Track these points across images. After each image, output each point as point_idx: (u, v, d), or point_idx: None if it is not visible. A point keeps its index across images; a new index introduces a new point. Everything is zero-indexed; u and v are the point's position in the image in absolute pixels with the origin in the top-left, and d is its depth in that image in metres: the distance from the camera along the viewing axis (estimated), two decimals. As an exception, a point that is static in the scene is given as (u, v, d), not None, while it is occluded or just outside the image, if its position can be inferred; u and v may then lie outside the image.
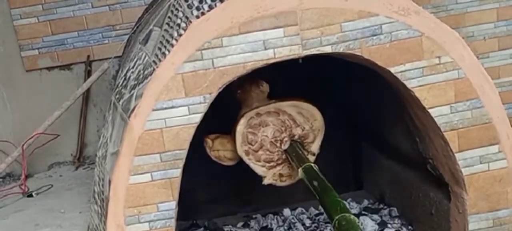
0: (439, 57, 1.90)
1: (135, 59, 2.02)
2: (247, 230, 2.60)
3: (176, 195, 1.89)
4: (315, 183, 1.82)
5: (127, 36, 3.32)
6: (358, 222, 1.71)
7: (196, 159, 1.97)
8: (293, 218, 2.59)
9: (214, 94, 1.84)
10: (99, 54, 3.70)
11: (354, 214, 1.67)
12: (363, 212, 2.57)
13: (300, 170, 1.97)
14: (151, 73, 1.84)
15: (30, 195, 3.19)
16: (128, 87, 1.95)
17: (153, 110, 1.82)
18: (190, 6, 1.87)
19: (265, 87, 2.22)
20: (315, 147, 2.26)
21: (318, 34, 1.84)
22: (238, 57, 1.82)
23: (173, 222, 1.90)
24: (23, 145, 3.34)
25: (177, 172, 1.87)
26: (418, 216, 2.33)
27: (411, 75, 1.90)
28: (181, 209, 1.95)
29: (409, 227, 2.40)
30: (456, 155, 1.95)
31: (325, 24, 1.84)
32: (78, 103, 3.66)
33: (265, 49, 1.83)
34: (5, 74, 3.72)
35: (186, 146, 1.86)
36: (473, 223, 2.00)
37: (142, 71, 1.90)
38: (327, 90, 2.71)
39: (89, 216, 2.24)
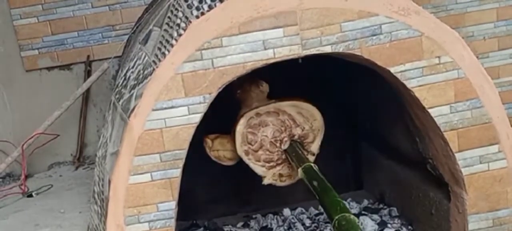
0: (439, 57, 1.90)
1: (135, 59, 2.02)
2: (247, 230, 2.60)
3: (176, 195, 1.89)
4: (315, 183, 1.82)
5: (127, 36, 3.32)
6: (358, 222, 1.71)
7: (196, 159, 1.97)
8: (293, 218, 2.59)
9: (214, 94, 1.84)
10: (99, 54, 3.70)
11: (354, 214, 1.67)
12: (363, 212, 2.57)
13: (300, 170, 1.97)
14: (151, 73, 1.84)
15: (30, 195, 3.19)
16: (128, 87, 1.95)
17: (153, 110, 1.82)
18: (189, 6, 1.87)
19: (265, 87, 2.22)
20: (315, 147, 2.26)
21: (318, 34, 1.84)
22: (237, 57, 1.82)
23: (173, 222, 1.90)
24: (23, 145, 3.34)
25: (177, 172, 1.87)
26: (418, 216, 2.33)
27: (411, 75, 1.90)
28: (181, 209, 1.95)
29: (409, 227, 2.40)
30: (456, 154, 1.95)
31: (325, 24, 1.84)
32: (78, 103, 3.66)
33: (265, 49, 1.83)
34: (5, 74, 3.72)
35: (186, 146, 1.86)
36: (473, 223, 2.00)
37: (142, 71, 1.90)
38: (327, 90, 2.70)
39: (89, 216, 2.24)
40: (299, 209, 2.68)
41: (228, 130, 2.24)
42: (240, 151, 2.19)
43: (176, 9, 1.91)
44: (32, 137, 3.36)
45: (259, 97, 2.22)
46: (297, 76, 2.21)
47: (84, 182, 3.27)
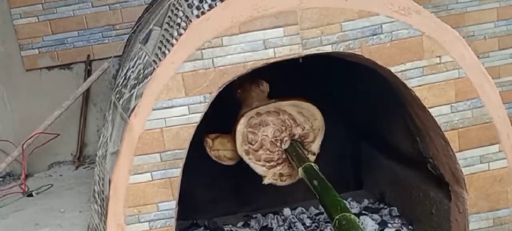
0: (439, 56, 1.90)
1: (135, 59, 2.02)
2: (247, 230, 2.60)
3: (176, 195, 1.89)
4: (315, 183, 1.82)
5: (127, 36, 3.32)
6: (359, 222, 1.71)
7: (196, 158, 1.97)
8: (293, 218, 2.59)
9: (214, 94, 1.84)
10: (99, 54, 3.70)
11: (355, 214, 1.67)
12: (363, 212, 2.57)
13: (300, 169, 1.97)
14: (151, 73, 1.84)
15: (30, 195, 3.20)
16: (128, 86, 1.94)
17: (153, 109, 1.82)
18: (190, 6, 1.87)
19: (265, 86, 2.22)
20: (315, 147, 2.26)
21: (318, 33, 1.84)
22: (238, 57, 1.82)
23: (173, 222, 1.90)
24: (23, 145, 3.34)
25: (177, 172, 1.87)
26: (419, 216, 2.33)
27: (411, 74, 1.90)
28: (181, 208, 1.95)
29: (410, 226, 2.39)
30: (456, 154, 1.95)
31: (325, 23, 1.84)
32: (78, 103, 3.66)
33: (265, 48, 1.83)
34: (5, 74, 3.72)
35: (186, 145, 1.86)
36: (474, 222, 2.00)
37: (142, 71, 1.90)
38: (327, 90, 2.70)
39: (89, 215, 2.24)
40: (299, 209, 2.67)
41: (228, 130, 2.24)
42: (241, 151, 2.19)
43: (177, 8, 1.91)
44: (32, 137, 3.36)
45: (260, 97, 2.22)
46: (297, 76, 2.21)
47: (84, 182, 3.27)
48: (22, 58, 3.70)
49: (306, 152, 2.21)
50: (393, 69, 1.89)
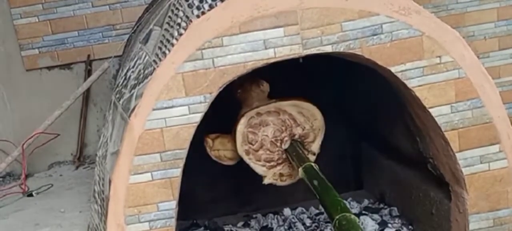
0: (439, 56, 1.90)
1: (135, 59, 2.02)
2: (248, 230, 2.60)
3: (176, 195, 1.89)
4: (316, 183, 1.82)
5: (127, 36, 3.32)
6: (359, 222, 1.71)
7: (196, 158, 1.97)
8: (293, 218, 2.59)
9: (215, 94, 1.84)
10: (99, 54, 3.70)
11: (355, 214, 1.66)
12: (363, 212, 2.57)
13: (300, 169, 1.97)
14: (151, 73, 1.84)
15: (30, 195, 3.20)
16: (128, 86, 1.94)
17: (153, 109, 1.82)
18: (190, 6, 1.87)
19: (266, 86, 2.22)
20: (315, 147, 2.26)
21: (319, 33, 1.84)
22: (238, 57, 1.82)
23: (173, 222, 1.90)
24: (23, 145, 3.34)
25: (177, 172, 1.87)
26: (419, 216, 2.33)
27: (411, 74, 1.90)
28: (181, 208, 1.95)
29: (410, 226, 2.39)
30: (456, 154, 1.95)
31: (326, 23, 1.84)
32: (78, 103, 3.66)
33: (266, 48, 1.83)
34: (5, 74, 3.72)
35: (186, 145, 1.86)
36: (474, 222, 2.00)
37: (142, 71, 1.90)
38: (327, 90, 2.70)
39: (89, 215, 2.24)
40: (299, 209, 2.67)
41: (228, 130, 2.24)
42: (241, 151, 2.19)
43: (177, 8, 1.91)
44: (32, 137, 3.36)
45: (260, 97, 2.22)
46: (298, 76, 2.21)
47: (84, 182, 3.27)
48: (22, 58, 3.70)
49: (306, 152, 2.21)
50: (393, 69, 1.89)
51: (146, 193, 1.87)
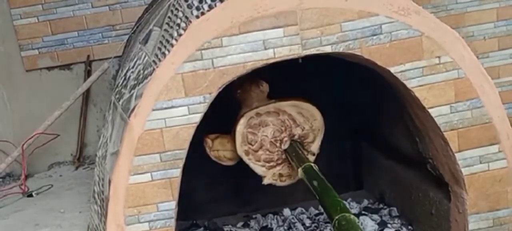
0: (439, 57, 1.90)
1: (135, 59, 2.02)
2: (247, 230, 2.60)
3: (176, 195, 1.89)
4: (315, 183, 1.82)
5: (127, 36, 3.32)
6: (358, 222, 1.71)
7: (196, 159, 1.97)
8: (293, 218, 2.59)
9: (214, 94, 1.84)
10: (99, 54, 3.70)
11: (354, 214, 1.66)
12: (363, 212, 2.57)
13: (300, 169, 1.97)
14: (151, 73, 1.84)
15: (30, 195, 3.19)
16: (128, 87, 1.95)
17: (153, 110, 1.82)
18: (190, 6, 1.87)
19: (265, 87, 2.22)
20: (315, 147, 2.26)
21: (318, 34, 1.84)
22: (238, 57, 1.82)
23: (173, 222, 1.90)
24: (23, 145, 3.34)
25: (177, 172, 1.87)
26: (418, 216, 2.33)
27: (411, 75, 1.90)
28: (181, 209, 1.95)
29: (409, 227, 2.39)
30: (456, 154, 1.95)
31: (325, 24, 1.84)
32: (78, 103, 3.66)
33: (265, 49, 1.83)
34: (5, 74, 3.72)
35: (186, 145, 1.86)
36: (473, 223, 2.00)
37: (142, 71, 1.90)
38: (327, 90, 2.70)
39: (89, 216, 2.24)
40: (299, 209, 2.68)
41: (228, 130, 2.24)
42: (240, 151, 2.19)
43: (176, 9, 1.91)
44: (32, 137, 3.36)
45: (259, 97, 2.22)
46: (297, 76, 2.21)
47: (84, 182, 3.27)
48: (22, 59, 3.70)
49: (305, 152, 2.21)
50: (392, 70, 1.89)
51: (146, 194, 1.87)
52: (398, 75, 1.89)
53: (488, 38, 3.49)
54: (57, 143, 3.62)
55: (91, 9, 3.66)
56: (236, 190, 2.88)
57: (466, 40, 2.27)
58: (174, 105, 1.83)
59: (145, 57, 1.94)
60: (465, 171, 1.96)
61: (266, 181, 2.25)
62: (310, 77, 2.47)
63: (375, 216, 2.51)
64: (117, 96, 2.03)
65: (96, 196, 2.06)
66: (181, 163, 1.87)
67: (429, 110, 1.92)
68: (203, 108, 1.84)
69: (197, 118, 1.84)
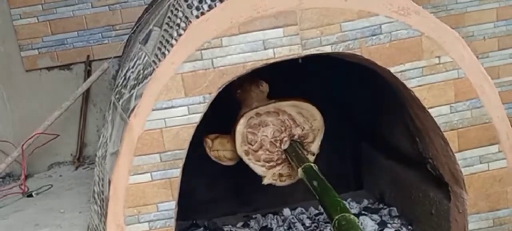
0: (438, 57, 1.90)
1: (135, 59, 2.02)
2: (247, 230, 2.60)
3: (176, 195, 1.89)
4: (315, 183, 1.82)
5: (127, 36, 3.32)
6: (358, 222, 1.71)
7: (196, 159, 1.97)
8: (293, 218, 2.59)
9: (214, 94, 1.84)
10: (99, 54, 3.70)
11: (354, 214, 1.67)
12: (363, 212, 2.57)
13: (300, 169, 1.97)
14: (150, 73, 1.84)
15: (30, 195, 3.19)
16: (128, 87, 1.95)
17: (153, 110, 1.82)
18: (189, 6, 1.87)
19: (265, 87, 2.22)
20: (315, 147, 2.26)
21: (318, 34, 1.84)
22: (237, 57, 1.82)
23: (173, 222, 1.90)
24: (23, 145, 3.34)
25: (177, 172, 1.87)
26: (418, 216, 2.33)
27: (410, 75, 1.90)
28: (180, 209, 1.95)
29: (409, 227, 2.39)
30: (456, 154, 1.95)
31: (325, 24, 1.84)
32: (78, 103, 3.66)
33: (265, 49, 1.83)
34: (5, 74, 3.72)
35: (186, 145, 1.86)
36: (473, 223, 2.00)
37: (141, 71, 1.90)
38: (327, 90, 2.70)
39: (89, 216, 2.24)
40: (299, 209, 2.67)
41: (228, 130, 2.24)
42: (240, 151, 2.19)
43: (176, 9, 1.91)
44: (32, 137, 3.36)
45: (259, 97, 2.22)
46: (297, 76, 2.21)
47: (84, 182, 3.27)
48: (22, 59, 3.70)
49: (305, 152, 2.21)
50: (392, 70, 1.89)
51: (146, 194, 1.87)
52: (398, 75, 1.89)
53: (488, 38, 3.49)
54: (57, 143, 3.62)
55: (91, 9, 3.66)
56: (236, 190, 2.88)
57: (466, 40, 2.28)
58: (174, 105, 1.83)
59: (145, 57, 1.94)
60: (465, 171, 1.96)
61: (266, 181, 2.25)
62: (310, 77, 2.47)
63: (375, 216, 2.51)
64: (117, 96, 2.03)
65: (96, 196, 2.06)
66: (181, 163, 1.87)
67: (429, 110, 1.92)
68: (203, 108, 1.84)
69: (197, 118, 1.84)
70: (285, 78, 2.24)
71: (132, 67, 2.01)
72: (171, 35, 1.86)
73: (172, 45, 1.83)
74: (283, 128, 2.20)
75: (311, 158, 2.20)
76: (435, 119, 1.93)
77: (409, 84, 1.90)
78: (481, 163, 1.97)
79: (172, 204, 1.89)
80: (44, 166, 3.76)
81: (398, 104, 2.10)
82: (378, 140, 2.65)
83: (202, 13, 1.83)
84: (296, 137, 2.22)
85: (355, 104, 2.75)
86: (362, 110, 2.72)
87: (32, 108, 3.72)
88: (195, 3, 1.86)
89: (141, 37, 2.08)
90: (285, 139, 2.21)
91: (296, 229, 2.51)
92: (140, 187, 1.86)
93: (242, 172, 2.27)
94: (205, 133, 2.20)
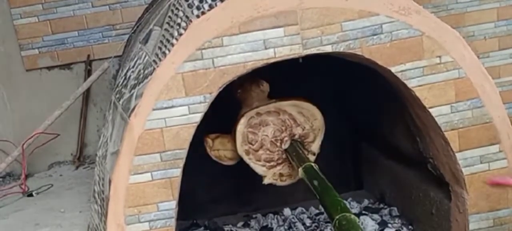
0: (439, 56, 1.90)
1: (135, 59, 2.02)
2: (248, 230, 2.60)
3: (176, 195, 1.89)
4: (316, 183, 1.82)
5: (127, 36, 3.32)
6: (359, 222, 1.71)
7: (196, 158, 1.97)
8: (293, 218, 2.59)
9: (214, 94, 1.84)
10: (99, 54, 3.70)
11: (355, 214, 1.66)
12: (363, 212, 2.57)
13: (300, 169, 1.97)
14: (151, 73, 1.84)
15: (30, 195, 3.20)
16: (128, 86, 1.94)
17: (153, 109, 1.82)
18: (190, 6, 1.87)
19: (265, 86, 2.22)
20: (315, 147, 2.26)
21: (319, 33, 1.84)
22: (238, 57, 1.82)
23: (173, 222, 1.90)
24: (23, 145, 3.34)
25: (177, 172, 1.87)
26: (419, 216, 2.33)
27: (411, 74, 1.90)
28: (181, 208, 1.95)
29: (410, 226, 2.39)
30: (456, 154, 1.95)
31: (326, 23, 1.84)
32: (78, 103, 3.66)
33: (266, 48, 1.83)
34: (5, 73, 3.72)
35: (186, 145, 1.86)
36: (474, 222, 2.00)
37: (142, 71, 1.90)
38: (327, 90, 2.70)
39: (89, 215, 2.24)
40: (299, 209, 2.67)
41: (228, 130, 2.24)
42: (241, 151, 2.19)
43: (177, 8, 1.91)
44: (32, 137, 3.36)
45: (260, 96, 2.22)
46: (298, 76, 2.21)
47: (84, 182, 3.27)
48: (22, 58, 3.70)
49: (306, 152, 2.21)
50: (393, 69, 1.89)
51: (146, 193, 1.87)
52: (399, 75, 1.89)
53: (489, 38, 3.49)
54: (57, 143, 3.62)
55: (91, 9, 3.66)
56: (237, 189, 2.88)
57: (467, 40, 2.27)
58: (175, 105, 1.83)
59: (145, 56, 1.94)
60: (465, 171, 1.96)
61: (266, 181, 2.25)
62: (310, 77, 2.47)
63: (376, 216, 2.51)
64: (117, 96, 2.03)
65: (96, 195, 2.06)
66: (181, 163, 1.87)
67: (430, 110, 1.92)
68: (203, 108, 1.84)
69: (198, 117, 1.84)
70: (285, 78, 2.24)
71: (133, 66, 2.01)
72: (171, 35, 1.86)
73: (172, 45, 1.82)
74: (283, 128, 2.20)
75: (312, 158, 2.20)
76: (436, 119, 1.93)
77: (410, 84, 1.90)
78: (481, 162, 1.97)
79: (173, 204, 1.89)
80: (45, 165, 3.76)
81: (398, 104, 2.10)
82: (379, 140, 2.65)
83: (203, 13, 1.83)
84: (296, 136, 2.22)
85: (355, 104, 2.75)
86: (362, 110, 2.72)
87: (32, 108, 3.72)
88: (196, 3, 1.86)
89: (142, 37, 2.08)
90: (286, 138, 2.20)
91: (296, 229, 2.51)
92: (141, 187, 1.86)
93: (242, 172, 2.27)
94: (205, 133, 2.20)
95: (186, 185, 1.94)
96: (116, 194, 1.86)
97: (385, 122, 2.47)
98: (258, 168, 2.23)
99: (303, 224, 2.54)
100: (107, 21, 3.68)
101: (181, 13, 1.88)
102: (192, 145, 1.87)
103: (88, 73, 3.70)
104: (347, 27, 1.85)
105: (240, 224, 2.66)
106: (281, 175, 2.25)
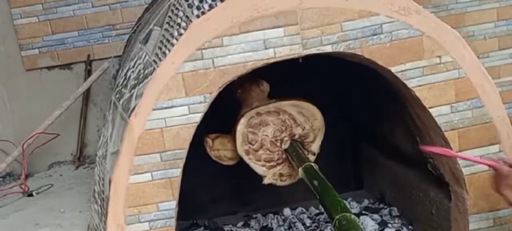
0: (439, 56, 1.90)
1: (135, 59, 2.02)
2: (248, 230, 2.60)
3: (176, 195, 1.89)
4: (316, 183, 1.82)
5: (127, 36, 3.32)
6: (359, 222, 1.71)
7: (196, 158, 1.97)
8: (293, 218, 2.59)
9: (214, 94, 1.84)
10: (99, 54, 3.70)
11: (355, 214, 1.66)
12: (363, 212, 2.57)
13: (300, 169, 1.97)
14: (151, 73, 1.84)
15: (30, 195, 3.19)
16: (128, 86, 1.94)
17: (153, 109, 1.82)
18: (190, 6, 1.87)
19: (266, 86, 2.22)
20: (315, 147, 2.26)
21: (319, 33, 1.84)
22: (238, 57, 1.82)
23: (173, 222, 1.90)
24: (23, 145, 3.34)
25: (177, 172, 1.87)
26: (419, 216, 2.33)
27: (411, 74, 1.90)
28: (181, 208, 1.95)
29: (410, 226, 2.39)
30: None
31: (326, 23, 1.84)
32: (78, 103, 3.66)
33: (266, 48, 1.83)
34: (5, 73, 3.72)
35: (186, 145, 1.86)
36: (474, 222, 2.00)
37: (142, 71, 1.90)
38: (327, 90, 2.70)
39: (89, 215, 2.24)
40: (299, 209, 2.67)
41: (228, 130, 2.24)
42: (241, 151, 2.19)
43: (177, 8, 1.91)
44: (32, 137, 3.36)
45: (260, 96, 2.22)
46: (298, 76, 2.21)
47: (84, 182, 3.27)
48: (22, 58, 3.70)
49: (306, 152, 2.21)
50: (393, 69, 1.89)
51: (146, 193, 1.87)
52: (399, 75, 1.90)
53: (489, 38, 3.49)
54: (57, 143, 3.62)
55: (91, 9, 3.66)
56: (237, 189, 2.88)
57: (467, 40, 2.27)
58: (175, 105, 1.83)
59: (145, 56, 1.94)
60: (465, 171, 1.96)
61: (266, 181, 2.25)
62: (310, 77, 2.47)
63: (376, 216, 2.51)
64: (117, 96, 2.03)
65: (96, 195, 2.06)
66: (181, 163, 1.87)
67: (430, 110, 1.92)
68: (203, 108, 1.84)
69: (198, 117, 1.84)
70: (285, 78, 2.24)
71: (133, 66, 2.01)
72: (171, 35, 1.86)
73: (172, 45, 1.82)
74: (283, 128, 2.20)
75: (312, 158, 2.20)
76: (436, 119, 1.93)
77: (410, 84, 1.90)
78: (481, 162, 1.97)
79: (173, 204, 1.89)
80: (45, 165, 3.76)
81: (398, 104, 2.10)
82: (379, 140, 2.65)
83: (203, 13, 1.83)
84: (296, 136, 2.22)
85: (355, 104, 2.75)
86: (362, 110, 2.72)
87: (32, 108, 3.71)
88: (196, 3, 1.86)
89: (142, 37, 2.08)
90: (286, 138, 2.20)
91: (296, 228, 2.51)
92: (141, 187, 1.86)
93: (242, 172, 2.27)
94: (205, 133, 2.20)
95: (186, 185, 1.94)
96: (116, 194, 1.86)
97: (385, 122, 2.47)
98: (258, 168, 2.23)
99: (303, 224, 2.54)
100: (107, 21, 3.68)
101: (181, 13, 1.88)
102: (192, 145, 1.87)
103: (88, 73, 3.70)
104: (347, 27, 1.85)
105: (240, 224, 2.66)
106: (281, 175, 2.25)
